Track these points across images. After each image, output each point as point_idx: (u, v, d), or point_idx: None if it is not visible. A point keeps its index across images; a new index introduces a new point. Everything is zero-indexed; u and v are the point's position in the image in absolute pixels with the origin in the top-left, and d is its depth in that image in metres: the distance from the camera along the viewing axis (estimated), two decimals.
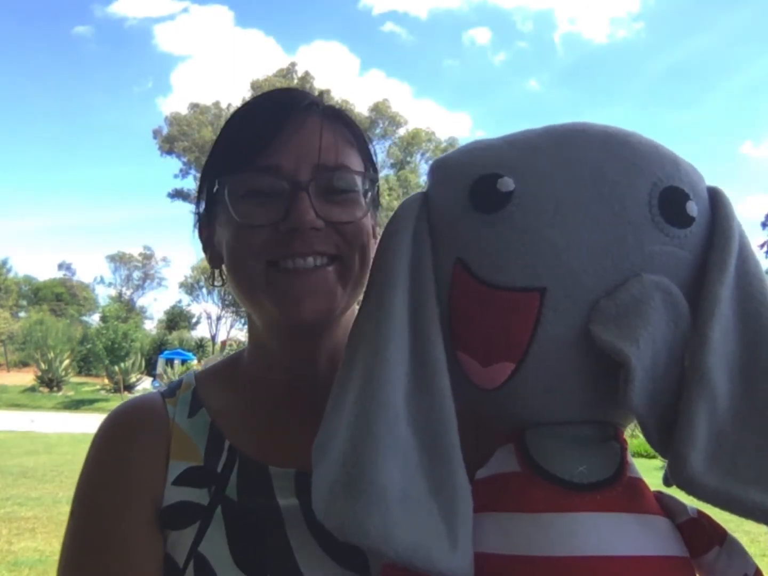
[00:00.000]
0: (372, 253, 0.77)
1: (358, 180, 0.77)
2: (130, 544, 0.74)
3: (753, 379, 0.60)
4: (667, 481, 0.58)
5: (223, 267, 0.82)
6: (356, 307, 0.80)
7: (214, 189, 0.77)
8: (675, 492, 0.62)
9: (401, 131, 34.59)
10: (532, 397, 0.64)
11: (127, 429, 0.80)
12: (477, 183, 0.64)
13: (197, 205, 0.84)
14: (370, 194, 0.79)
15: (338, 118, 0.79)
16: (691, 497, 0.57)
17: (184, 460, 0.77)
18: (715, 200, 0.66)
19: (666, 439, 0.59)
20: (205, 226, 0.83)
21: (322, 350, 0.81)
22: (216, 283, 0.86)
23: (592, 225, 0.61)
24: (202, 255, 0.86)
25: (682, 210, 0.62)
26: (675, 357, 0.60)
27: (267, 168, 0.73)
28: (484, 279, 0.63)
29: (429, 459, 0.60)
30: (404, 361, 0.62)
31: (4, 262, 49.97)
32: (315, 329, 0.77)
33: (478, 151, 0.68)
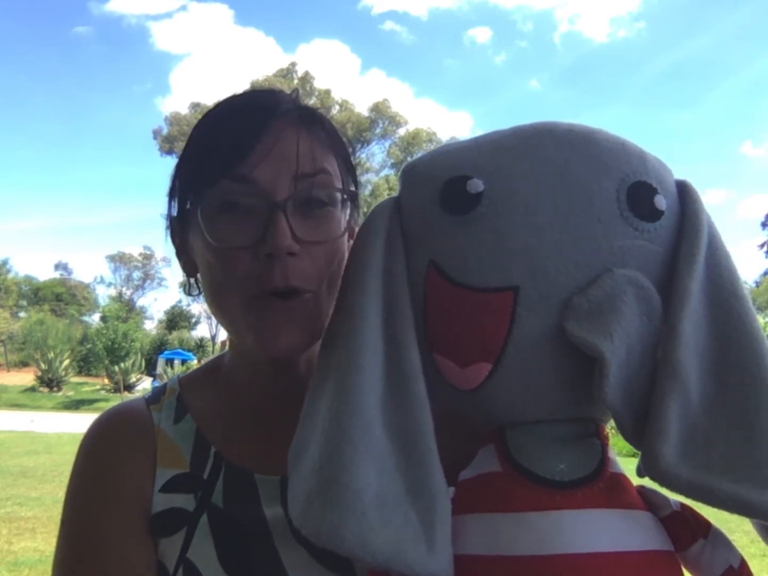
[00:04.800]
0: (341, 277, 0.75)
1: (337, 185, 0.74)
2: (122, 553, 0.74)
3: (724, 370, 0.61)
4: (640, 473, 0.59)
5: (199, 276, 0.79)
6: None
7: (187, 204, 0.74)
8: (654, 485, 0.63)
9: (401, 131, 34.53)
10: (511, 397, 0.64)
11: (113, 437, 0.79)
12: (447, 185, 0.64)
13: (169, 207, 0.80)
14: (348, 202, 0.76)
15: (315, 121, 0.76)
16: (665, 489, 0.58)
17: (171, 467, 0.77)
18: (684, 194, 0.66)
19: (640, 433, 0.59)
20: (178, 232, 0.80)
21: (300, 359, 0.80)
22: (193, 292, 0.83)
23: (562, 223, 0.61)
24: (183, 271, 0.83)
25: (651, 204, 0.62)
26: (648, 351, 0.61)
27: (242, 182, 0.70)
28: (457, 280, 0.63)
29: (405, 463, 0.60)
30: (378, 367, 0.62)
31: (4, 262, 49.93)
32: (288, 358, 0.76)
33: (447, 153, 0.69)
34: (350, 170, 0.80)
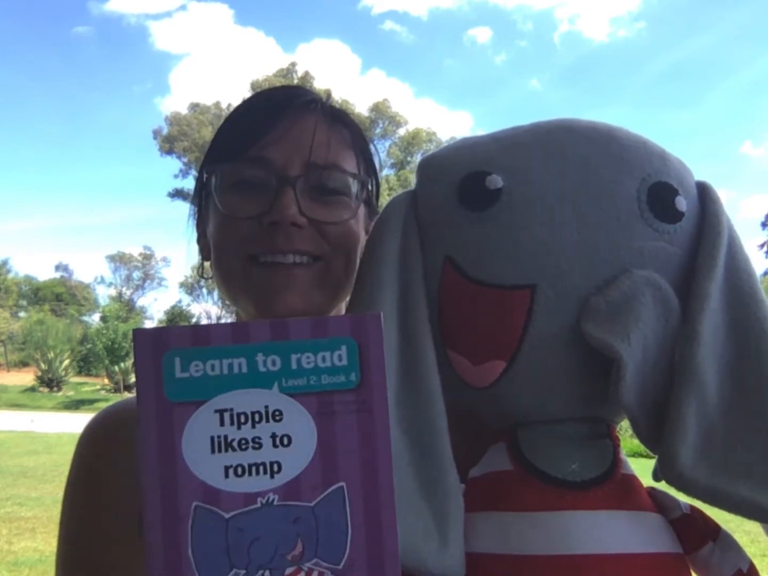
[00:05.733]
0: (359, 256, 0.75)
1: (349, 181, 0.76)
2: (119, 554, 0.73)
3: (742, 374, 0.60)
4: (657, 477, 0.59)
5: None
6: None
7: (204, 179, 0.77)
8: (666, 488, 0.62)
9: (401, 131, 34.58)
10: (524, 395, 0.64)
11: (107, 438, 0.79)
12: (465, 180, 0.64)
13: (194, 198, 0.83)
14: (362, 197, 0.77)
15: (339, 119, 0.78)
16: (681, 493, 0.57)
17: None
18: (704, 195, 0.66)
19: (656, 435, 0.59)
20: (200, 217, 0.83)
21: None
22: (206, 275, 0.86)
23: (581, 221, 0.61)
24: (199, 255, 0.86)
25: (671, 205, 0.62)
26: (665, 352, 0.60)
27: (256, 160, 0.72)
28: (474, 277, 0.63)
29: (419, 459, 0.59)
30: (393, 362, 0.62)
31: (4, 263, 49.93)
32: None
33: (465, 148, 0.69)
34: (372, 174, 0.81)
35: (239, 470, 0.45)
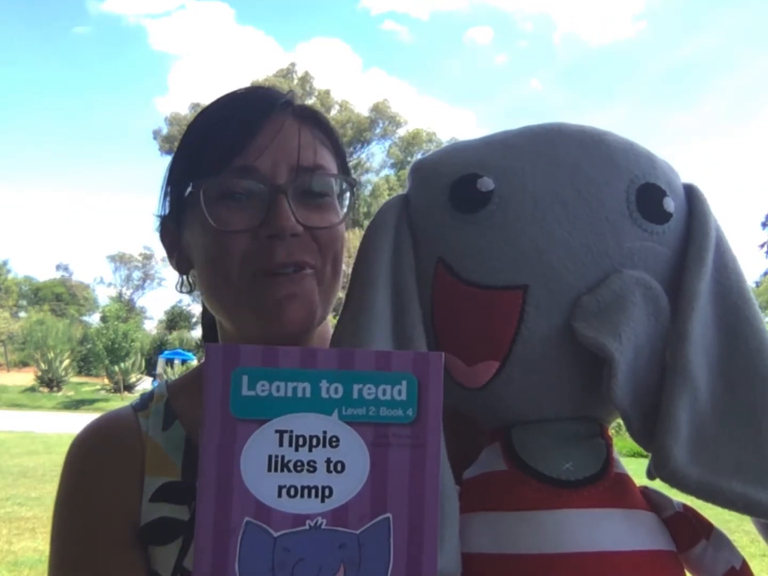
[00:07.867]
0: (343, 261, 0.76)
1: (334, 182, 0.76)
2: (110, 569, 0.73)
3: (732, 371, 0.61)
4: (651, 474, 0.59)
5: (192, 272, 0.79)
6: (330, 322, 0.79)
7: (186, 192, 0.74)
8: (661, 486, 0.63)
9: (401, 131, 34.53)
10: (518, 395, 0.65)
11: (98, 449, 0.78)
12: (457, 183, 0.65)
13: (162, 206, 0.81)
14: (346, 196, 0.78)
15: (312, 118, 0.77)
16: (675, 490, 0.58)
17: (160, 476, 0.75)
18: (692, 197, 0.67)
19: (649, 433, 0.60)
20: (169, 230, 0.80)
21: None
22: (183, 289, 0.83)
23: (571, 222, 0.62)
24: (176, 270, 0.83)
25: (659, 206, 0.63)
26: (656, 351, 0.61)
27: (244, 170, 0.70)
28: (466, 278, 0.63)
29: None
30: None
31: (5, 263, 49.87)
32: (291, 340, 0.73)
33: (457, 152, 0.70)
34: (345, 169, 0.81)
35: (292, 491, 0.46)
